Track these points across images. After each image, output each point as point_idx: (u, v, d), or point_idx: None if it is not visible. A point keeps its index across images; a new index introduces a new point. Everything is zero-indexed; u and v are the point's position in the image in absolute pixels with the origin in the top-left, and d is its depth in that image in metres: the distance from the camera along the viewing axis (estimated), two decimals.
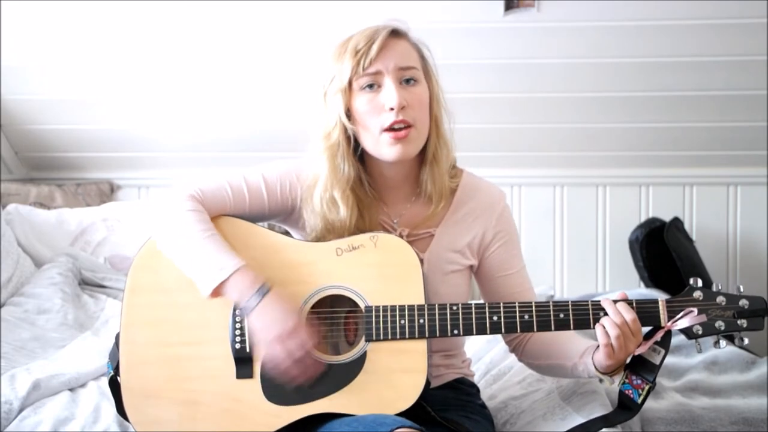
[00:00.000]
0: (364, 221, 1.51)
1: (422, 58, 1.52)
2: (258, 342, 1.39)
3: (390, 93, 1.44)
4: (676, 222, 3.02)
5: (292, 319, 1.37)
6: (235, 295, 1.39)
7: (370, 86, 1.46)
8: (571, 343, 1.52)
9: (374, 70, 1.45)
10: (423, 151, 1.52)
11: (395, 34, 1.48)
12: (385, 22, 1.49)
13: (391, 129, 1.44)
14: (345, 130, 1.47)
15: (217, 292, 1.39)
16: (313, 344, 1.38)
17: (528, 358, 1.60)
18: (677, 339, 2.14)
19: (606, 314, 1.40)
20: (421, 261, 1.45)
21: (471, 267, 1.59)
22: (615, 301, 1.41)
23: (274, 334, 1.36)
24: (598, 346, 1.42)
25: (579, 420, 1.50)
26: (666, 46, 2.72)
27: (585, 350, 1.48)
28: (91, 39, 2.81)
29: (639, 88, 2.86)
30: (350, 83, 1.46)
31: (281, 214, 1.57)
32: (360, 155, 1.52)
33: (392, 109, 1.43)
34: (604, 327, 1.38)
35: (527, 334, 1.58)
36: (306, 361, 1.37)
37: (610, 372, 1.43)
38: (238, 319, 1.42)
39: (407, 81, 1.47)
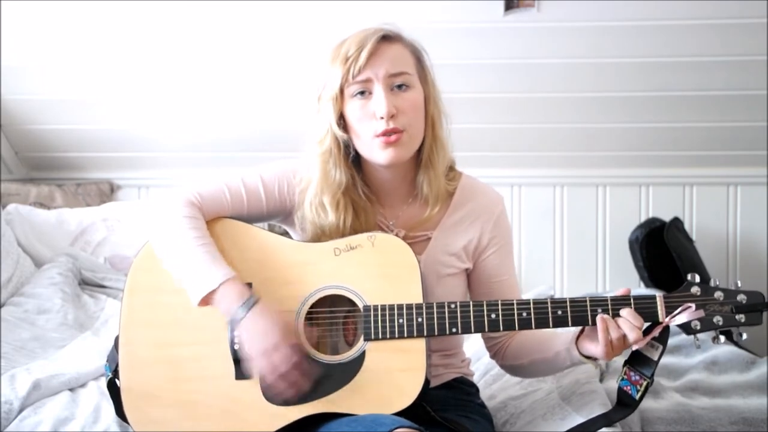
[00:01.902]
0: (360, 223, 1.51)
1: (418, 61, 1.51)
2: (247, 354, 1.39)
3: (379, 101, 1.43)
4: (676, 222, 3.02)
5: (277, 334, 1.36)
6: (222, 306, 1.39)
7: (361, 93, 1.45)
8: (550, 338, 1.52)
9: (364, 78, 1.44)
10: (419, 154, 1.52)
11: (387, 38, 1.47)
12: (377, 26, 1.48)
13: (382, 134, 1.44)
14: (336, 137, 1.47)
15: (205, 302, 1.39)
16: (297, 360, 1.36)
17: (510, 360, 1.59)
18: (677, 339, 2.14)
19: (603, 311, 1.39)
20: (418, 263, 1.45)
21: (466, 270, 1.58)
22: (615, 299, 1.40)
23: (259, 349, 1.36)
24: (580, 333, 1.43)
25: (579, 420, 1.50)
26: (666, 46, 2.72)
27: (568, 339, 1.47)
28: (91, 39, 2.81)
29: (639, 88, 2.86)
30: (342, 90, 1.46)
31: (280, 215, 1.57)
32: (356, 157, 1.52)
33: (382, 117, 1.43)
34: (605, 323, 1.37)
35: (508, 336, 1.58)
36: (290, 377, 1.36)
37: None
38: None
39: (399, 87, 1.46)
